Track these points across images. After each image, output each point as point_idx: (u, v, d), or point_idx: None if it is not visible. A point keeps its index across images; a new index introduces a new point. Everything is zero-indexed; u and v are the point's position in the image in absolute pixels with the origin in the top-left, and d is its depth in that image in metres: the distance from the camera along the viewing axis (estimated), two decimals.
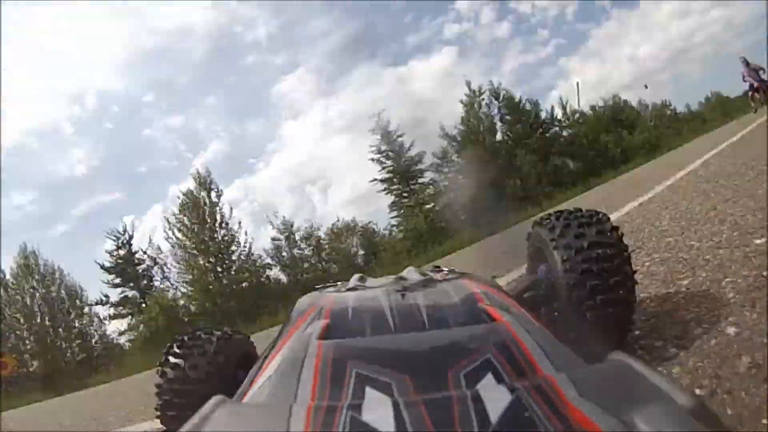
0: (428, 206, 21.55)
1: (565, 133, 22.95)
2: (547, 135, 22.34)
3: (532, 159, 20.42)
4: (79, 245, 32.27)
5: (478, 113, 22.60)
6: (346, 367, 0.58)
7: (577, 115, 23.62)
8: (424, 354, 0.62)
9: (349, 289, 1.08)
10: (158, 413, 1.16)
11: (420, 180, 22.55)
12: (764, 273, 1.39)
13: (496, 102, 23.04)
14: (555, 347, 0.63)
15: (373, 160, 22.60)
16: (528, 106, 22.90)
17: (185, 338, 1.24)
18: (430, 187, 22.29)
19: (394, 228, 22.73)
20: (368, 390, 0.53)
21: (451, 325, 0.76)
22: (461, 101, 23.14)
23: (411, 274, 1.22)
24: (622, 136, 23.19)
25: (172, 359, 1.17)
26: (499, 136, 22.58)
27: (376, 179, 22.70)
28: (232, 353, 1.24)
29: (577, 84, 27.30)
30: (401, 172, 22.32)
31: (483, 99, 22.90)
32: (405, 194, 22.44)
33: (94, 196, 35.00)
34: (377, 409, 0.44)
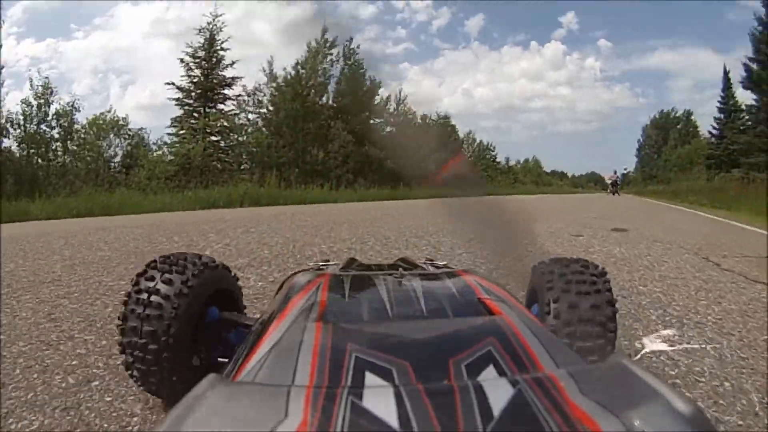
0: (215, 138, 17.85)
1: (389, 129, 21.51)
2: (372, 121, 20.61)
3: (348, 138, 18.41)
4: None
5: (317, 65, 19.93)
6: (346, 351, 0.56)
7: (410, 116, 22.54)
8: (424, 342, 0.61)
9: (343, 272, 1.13)
10: (119, 322, 1.08)
11: (220, 106, 18.64)
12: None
13: (344, 62, 20.69)
14: (554, 344, 0.62)
15: (182, 60, 18.09)
16: (369, 83, 21.05)
17: (169, 257, 1.16)
18: (228, 118, 18.52)
19: (166, 145, 18.34)
20: (368, 375, 0.52)
21: (451, 316, 0.76)
22: (307, 44, 20.23)
23: (406, 263, 1.34)
24: (442, 158, 22.91)
25: (149, 272, 1.11)
26: (326, 99, 20.13)
27: (173, 83, 18.15)
28: (210, 283, 1.15)
29: None
30: (204, 89, 18.21)
31: (331, 54, 20.40)
32: (196, 114, 18.22)
33: None
34: (378, 395, 0.43)
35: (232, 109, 18.82)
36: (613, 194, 24.32)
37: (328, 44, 20.36)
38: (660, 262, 3.54)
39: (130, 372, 1.09)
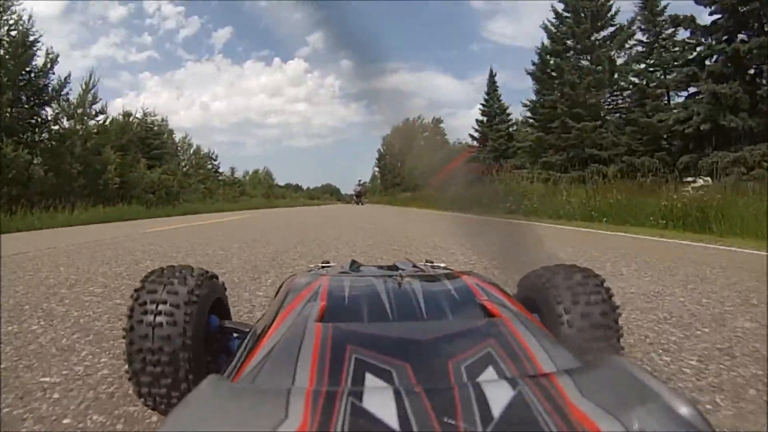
0: None
1: (68, 123, 15.86)
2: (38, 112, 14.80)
3: None
4: None
5: None
6: (345, 351, 0.57)
7: (98, 101, 17.04)
8: (424, 343, 0.62)
9: (343, 273, 1.11)
10: (125, 334, 1.02)
11: None
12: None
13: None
14: (554, 346, 0.62)
15: None
16: (47, 56, 14.94)
17: (165, 270, 1.12)
18: None
19: None
20: (368, 376, 0.53)
21: (450, 318, 0.76)
22: None
23: (406, 265, 1.32)
24: (144, 165, 18.48)
25: (148, 286, 1.05)
26: None
27: None
28: (210, 294, 1.13)
29: None
30: None
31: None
32: None
33: None
34: (378, 397, 0.43)
35: None
36: (357, 204, 25.48)
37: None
38: None
39: (140, 394, 1.00)
